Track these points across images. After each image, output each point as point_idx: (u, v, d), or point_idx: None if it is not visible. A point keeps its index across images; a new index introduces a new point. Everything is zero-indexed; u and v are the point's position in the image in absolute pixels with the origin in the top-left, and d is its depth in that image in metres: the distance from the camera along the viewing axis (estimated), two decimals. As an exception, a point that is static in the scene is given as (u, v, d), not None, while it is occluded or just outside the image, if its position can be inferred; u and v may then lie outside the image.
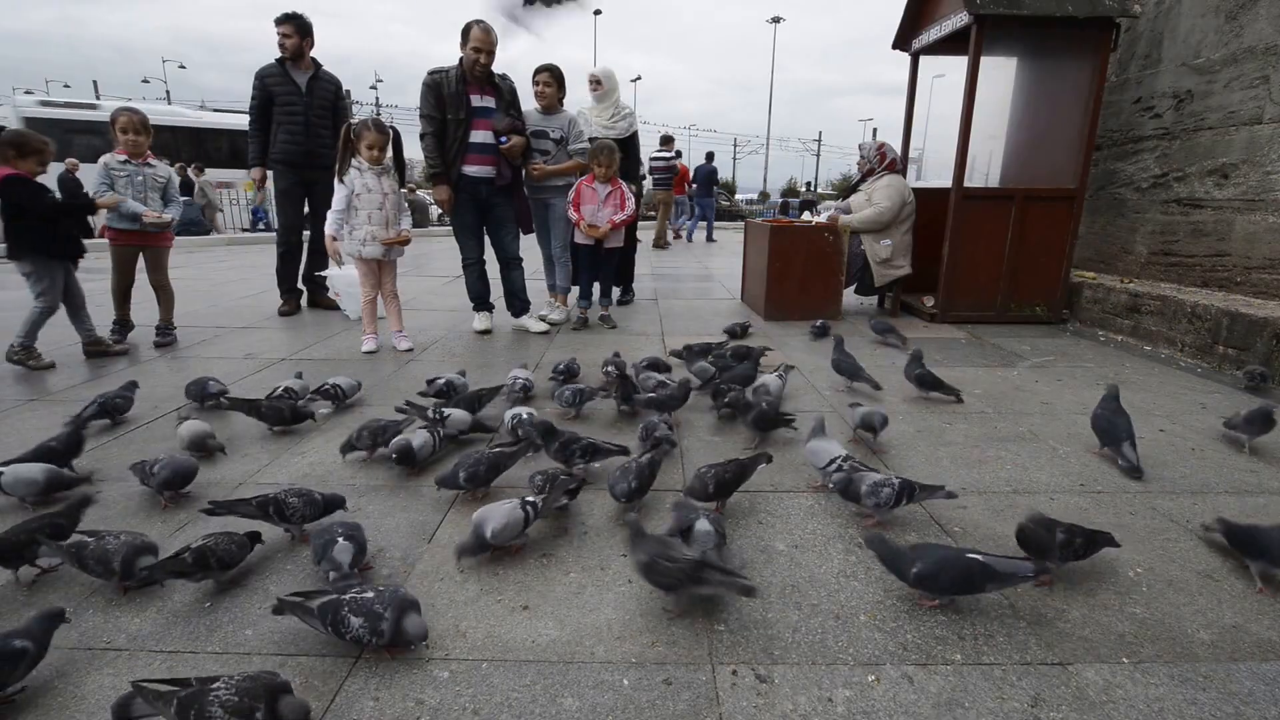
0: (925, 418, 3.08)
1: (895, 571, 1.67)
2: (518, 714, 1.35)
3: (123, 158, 4.05)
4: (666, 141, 13.13)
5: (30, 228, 3.66)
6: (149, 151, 4.19)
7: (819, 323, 4.76)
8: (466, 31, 4.17)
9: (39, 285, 3.75)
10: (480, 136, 4.29)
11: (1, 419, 2.98)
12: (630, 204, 4.70)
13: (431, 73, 4.21)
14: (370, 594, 1.48)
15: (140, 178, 4.10)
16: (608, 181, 4.58)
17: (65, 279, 3.86)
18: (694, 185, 14.37)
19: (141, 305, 4.48)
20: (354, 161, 3.90)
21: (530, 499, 1.91)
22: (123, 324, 4.37)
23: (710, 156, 14.75)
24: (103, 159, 4.06)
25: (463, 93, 4.19)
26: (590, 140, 4.87)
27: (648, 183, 11.82)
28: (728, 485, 2.13)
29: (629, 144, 5.33)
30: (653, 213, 14.18)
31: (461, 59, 4.22)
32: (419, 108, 4.31)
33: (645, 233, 10.73)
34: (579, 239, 4.72)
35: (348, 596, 1.48)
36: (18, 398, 3.26)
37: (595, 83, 5.28)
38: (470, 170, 4.33)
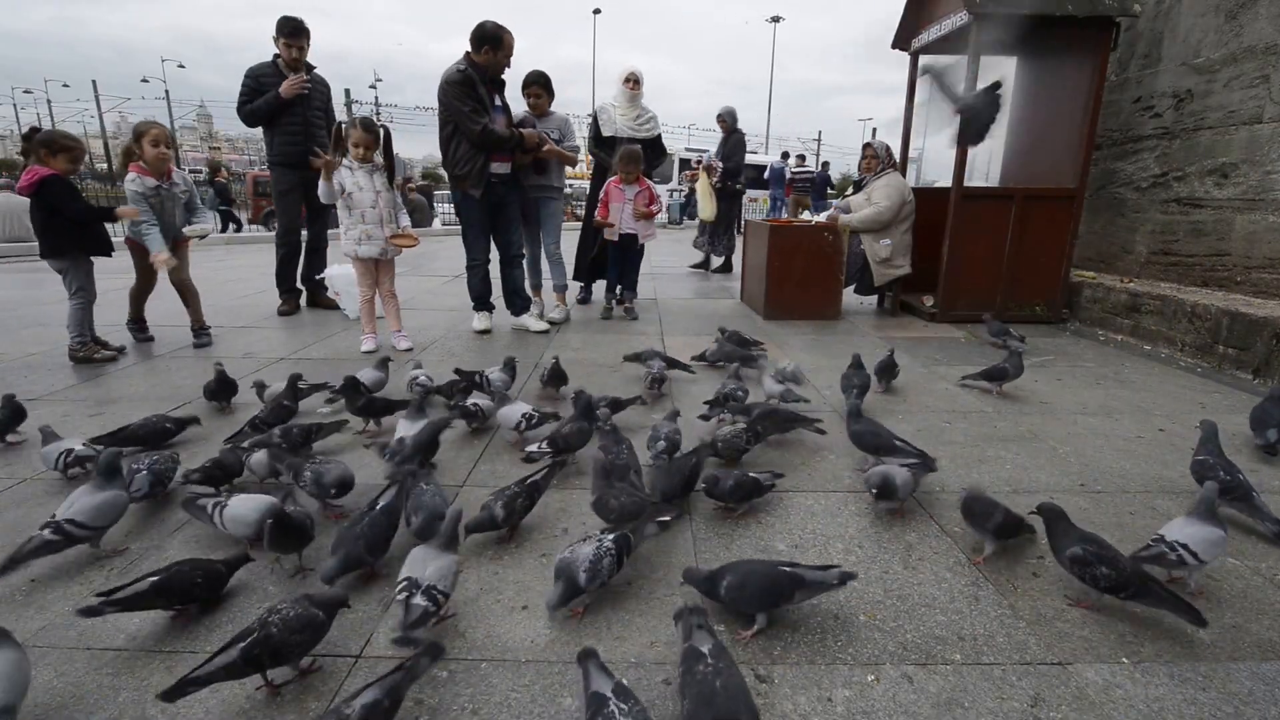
0: (926, 417, 3.09)
1: (707, 593, 1.60)
2: (517, 714, 1.35)
3: (153, 183, 3.94)
4: (801, 158, 17.28)
5: (63, 226, 3.71)
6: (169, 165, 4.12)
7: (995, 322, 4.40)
8: (497, 38, 4.13)
9: (74, 282, 3.82)
10: None
11: None
12: (659, 200, 5.02)
13: (460, 70, 4.11)
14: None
15: (171, 200, 4.08)
16: (634, 182, 4.94)
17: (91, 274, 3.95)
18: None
19: (149, 305, 4.48)
20: (344, 161, 3.91)
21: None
22: (137, 322, 4.39)
23: (785, 156, 18.06)
24: (132, 188, 3.90)
25: (488, 94, 4.22)
26: (612, 139, 5.20)
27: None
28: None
29: (655, 144, 5.50)
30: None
31: (473, 62, 4.16)
32: (452, 105, 4.08)
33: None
34: (610, 235, 5.04)
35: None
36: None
37: (635, 81, 5.34)
38: (492, 167, 4.36)
